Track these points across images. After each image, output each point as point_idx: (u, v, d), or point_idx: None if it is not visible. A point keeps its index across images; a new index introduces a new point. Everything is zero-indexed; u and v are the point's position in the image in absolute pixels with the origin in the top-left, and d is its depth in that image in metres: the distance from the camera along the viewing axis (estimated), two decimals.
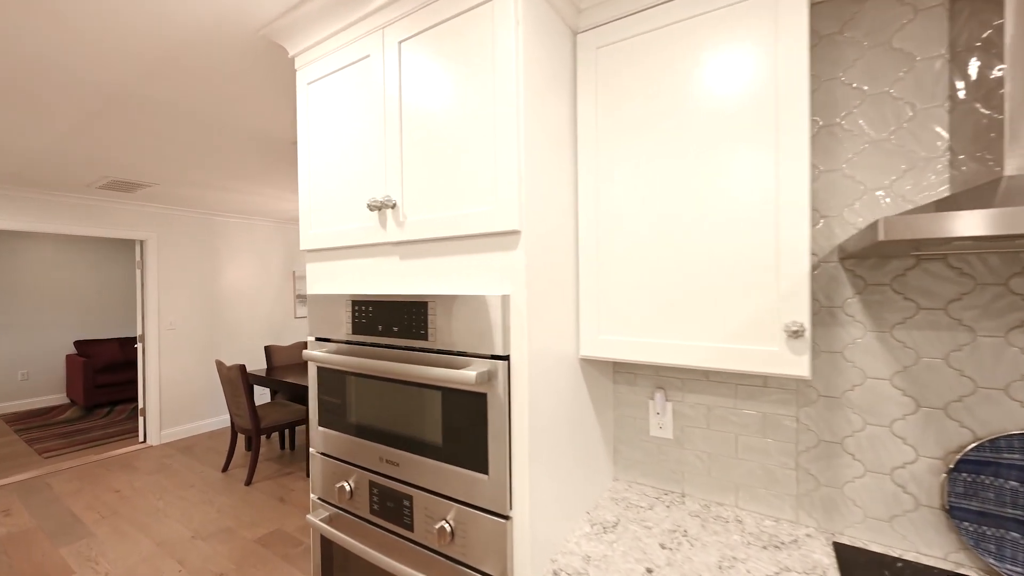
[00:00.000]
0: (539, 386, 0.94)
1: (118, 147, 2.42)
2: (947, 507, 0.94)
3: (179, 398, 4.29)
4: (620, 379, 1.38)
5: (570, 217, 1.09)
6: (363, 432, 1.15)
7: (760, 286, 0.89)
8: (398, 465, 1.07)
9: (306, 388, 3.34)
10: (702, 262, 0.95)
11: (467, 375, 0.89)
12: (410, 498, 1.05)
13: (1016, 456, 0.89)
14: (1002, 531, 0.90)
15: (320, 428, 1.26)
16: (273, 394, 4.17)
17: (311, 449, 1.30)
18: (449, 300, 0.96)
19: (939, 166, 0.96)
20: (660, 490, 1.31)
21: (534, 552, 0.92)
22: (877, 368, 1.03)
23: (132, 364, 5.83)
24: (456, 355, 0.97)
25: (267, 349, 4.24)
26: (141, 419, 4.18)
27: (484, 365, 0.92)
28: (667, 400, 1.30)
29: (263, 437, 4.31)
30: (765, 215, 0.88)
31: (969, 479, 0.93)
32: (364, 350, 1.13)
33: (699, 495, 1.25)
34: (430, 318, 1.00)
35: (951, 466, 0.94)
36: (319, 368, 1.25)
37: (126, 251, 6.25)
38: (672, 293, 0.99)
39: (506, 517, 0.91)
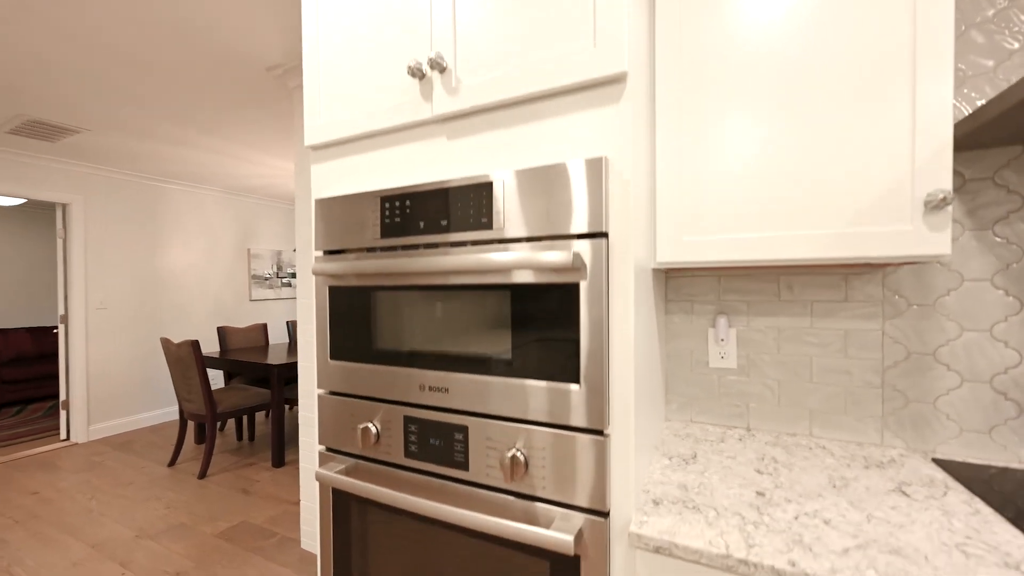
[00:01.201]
0: (637, 276, 0.77)
1: (39, 68, 1.99)
2: None
3: (112, 388, 3.72)
4: (674, 308, 1.24)
5: (647, 67, 0.89)
6: (397, 358, 0.93)
7: (890, 154, 0.77)
8: (447, 391, 0.87)
9: (270, 368, 2.98)
10: (814, 130, 0.82)
11: (558, 257, 0.70)
12: (464, 429, 0.85)
13: None
14: None
15: (332, 362, 1.02)
16: (227, 379, 3.72)
17: (318, 391, 1.06)
18: (524, 175, 0.78)
19: None
20: (722, 426, 1.18)
21: (637, 476, 0.75)
22: (976, 269, 0.95)
23: (48, 357, 5.05)
24: (529, 241, 0.78)
25: (220, 330, 3.78)
26: (63, 413, 3.58)
27: (576, 246, 0.74)
28: (730, 326, 1.17)
29: (217, 428, 3.83)
30: (898, 64, 0.76)
31: None
32: (401, 254, 0.91)
33: (767, 427, 1.14)
34: (495, 202, 0.80)
35: None
36: (331, 289, 1.01)
37: (40, 221, 5.42)
38: (775, 173, 0.85)
39: (603, 433, 0.73)
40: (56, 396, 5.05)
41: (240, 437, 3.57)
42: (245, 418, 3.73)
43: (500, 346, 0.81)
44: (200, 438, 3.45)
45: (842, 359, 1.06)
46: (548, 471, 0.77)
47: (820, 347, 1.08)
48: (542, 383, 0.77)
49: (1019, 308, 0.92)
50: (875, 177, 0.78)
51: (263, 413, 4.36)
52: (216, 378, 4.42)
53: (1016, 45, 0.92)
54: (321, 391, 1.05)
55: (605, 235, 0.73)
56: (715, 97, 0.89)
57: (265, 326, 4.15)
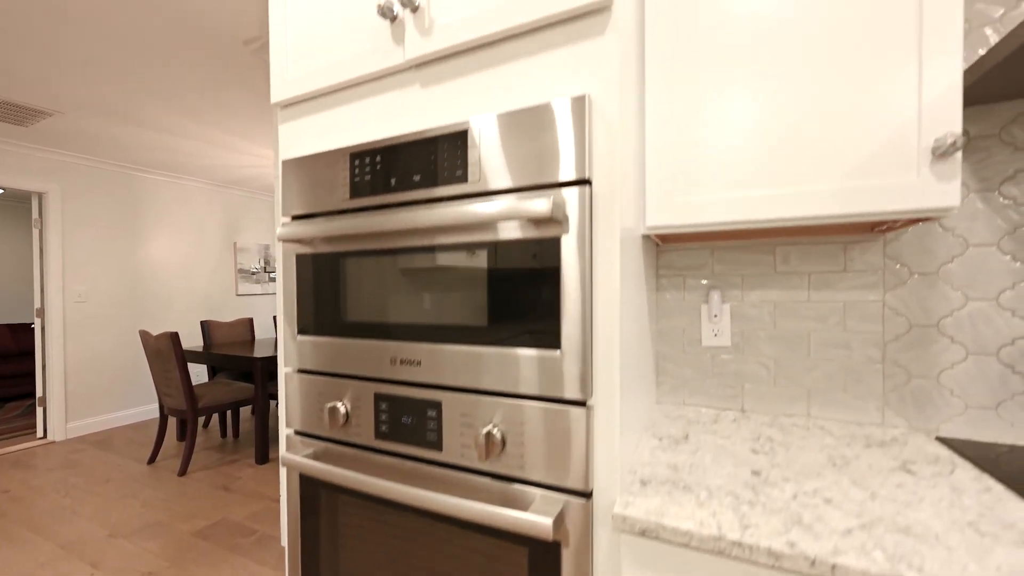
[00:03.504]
0: (624, 232, 0.71)
1: (11, 42, 1.90)
2: None
3: (91, 384, 3.61)
4: (666, 285, 1.18)
5: (635, 9, 0.82)
6: (366, 330, 0.86)
7: (894, 96, 0.71)
8: (419, 364, 0.80)
9: (253, 361, 2.89)
10: (816, 72, 0.76)
11: (536, 206, 0.64)
12: (438, 405, 0.78)
13: None
14: None
15: (299, 338, 0.95)
16: (211, 374, 3.62)
17: (285, 370, 0.98)
18: (500, 120, 0.71)
19: None
20: (716, 408, 1.12)
21: (623, 453, 0.69)
22: (981, 233, 0.90)
23: (27, 355, 4.92)
24: (507, 192, 0.71)
25: (204, 324, 3.68)
26: (40, 410, 3.47)
27: (556, 196, 0.67)
28: (724, 302, 1.11)
29: (200, 425, 3.73)
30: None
31: None
32: (371, 214, 0.84)
33: (763, 408, 1.08)
34: (471, 151, 0.74)
35: None
36: (298, 257, 0.94)
37: (18, 215, 5.28)
38: (775, 123, 0.79)
39: (586, 404, 0.67)
40: (35, 394, 4.91)
41: (224, 434, 3.48)
42: (229, 414, 3.64)
43: (476, 312, 0.74)
44: (182, 435, 3.35)
45: (841, 333, 1.01)
46: (527, 448, 0.70)
47: (818, 321, 1.02)
48: (520, 351, 0.71)
49: None
50: (880, 124, 0.72)
51: (249, 409, 4.26)
52: (201, 373, 4.31)
53: None
54: (288, 369, 0.98)
55: (588, 182, 0.67)
56: (709, 40, 0.83)
57: (251, 321, 4.05)
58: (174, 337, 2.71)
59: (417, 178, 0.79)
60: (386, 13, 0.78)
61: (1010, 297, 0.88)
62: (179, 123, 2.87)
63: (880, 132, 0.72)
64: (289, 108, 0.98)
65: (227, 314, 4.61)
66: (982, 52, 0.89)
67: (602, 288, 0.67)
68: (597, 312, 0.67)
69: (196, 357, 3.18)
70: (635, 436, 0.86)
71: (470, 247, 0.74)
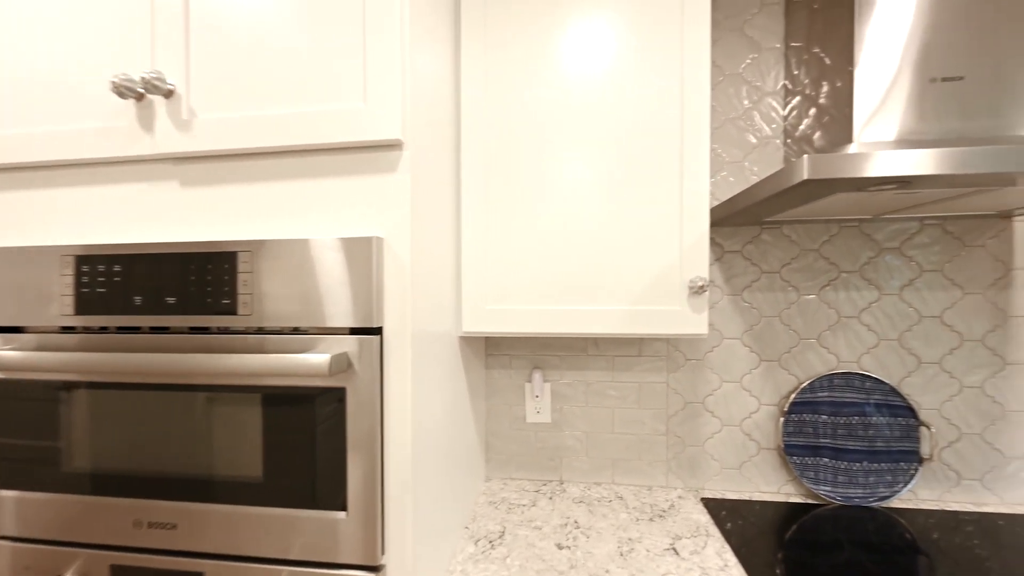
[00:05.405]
0: (422, 371, 0.67)
1: None
2: (782, 446, 1.07)
3: None
4: (494, 363, 1.20)
5: (450, 141, 0.84)
6: (99, 485, 0.66)
7: (664, 240, 0.83)
8: (175, 528, 0.65)
9: None
10: (610, 213, 0.84)
11: (315, 361, 0.56)
12: None
13: (825, 393, 1.06)
14: (817, 459, 1.06)
15: (1, 493, 0.69)
16: None
17: None
18: (281, 247, 0.61)
19: (776, 145, 1.09)
20: (538, 482, 1.18)
21: None
22: (731, 329, 1.11)
23: None
24: (288, 334, 0.62)
25: None
26: None
27: (342, 345, 0.60)
28: (545, 381, 1.18)
29: None
30: (670, 160, 0.82)
31: (796, 418, 1.07)
32: (106, 340, 0.65)
33: (578, 479, 1.17)
34: (242, 278, 0.62)
35: (785, 409, 1.07)
36: None
37: None
38: (576, 250, 0.85)
39: (376, 568, 0.62)
40: None
41: None
42: None
43: (249, 464, 0.63)
44: None
45: (638, 410, 1.15)
46: None
47: (621, 399, 1.15)
48: (301, 512, 0.62)
49: (758, 362, 1.10)
50: (656, 260, 0.83)
51: None
52: None
53: (755, 140, 1.10)
54: None
55: (379, 331, 0.61)
56: (519, 179, 0.86)
57: None
58: None
59: (172, 300, 0.64)
60: (124, 93, 0.61)
61: (749, 380, 1.11)
62: None
63: (657, 266, 0.83)
64: None
65: None
66: (732, 185, 1.10)
67: (394, 441, 0.62)
68: (388, 468, 0.62)
69: None
70: (449, 547, 0.84)
71: (242, 389, 0.63)
